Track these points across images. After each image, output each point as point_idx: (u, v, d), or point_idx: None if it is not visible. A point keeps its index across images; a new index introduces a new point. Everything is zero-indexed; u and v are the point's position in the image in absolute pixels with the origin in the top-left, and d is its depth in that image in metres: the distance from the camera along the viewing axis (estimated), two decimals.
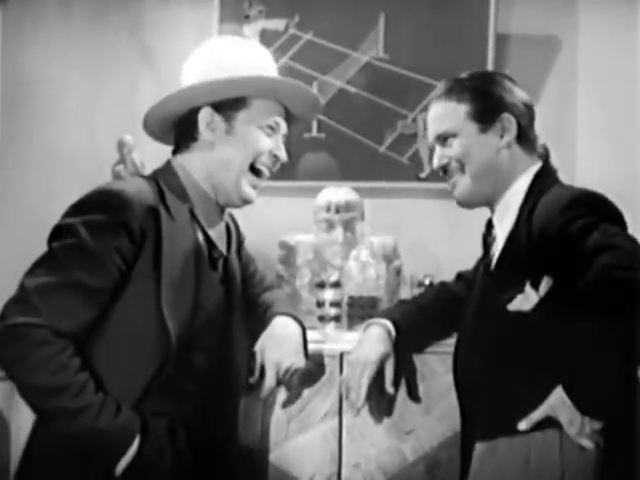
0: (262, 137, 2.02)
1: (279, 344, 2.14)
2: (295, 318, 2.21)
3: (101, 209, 1.87)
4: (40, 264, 1.86)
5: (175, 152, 2.07)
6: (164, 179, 2.00)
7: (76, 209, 1.89)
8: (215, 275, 2.03)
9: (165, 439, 1.92)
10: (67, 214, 1.90)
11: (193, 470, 1.99)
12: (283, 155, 2.07)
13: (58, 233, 1.89)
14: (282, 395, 2.36)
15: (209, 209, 2.03)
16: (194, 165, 2.02)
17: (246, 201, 2.06)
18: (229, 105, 2.00)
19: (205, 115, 2.00)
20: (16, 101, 3.28)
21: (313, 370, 2.34)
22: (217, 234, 2.06)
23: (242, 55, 2.04)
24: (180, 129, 2.06)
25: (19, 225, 3.25)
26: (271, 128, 2.04)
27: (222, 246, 2.07)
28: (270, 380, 2.12)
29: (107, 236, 1.85)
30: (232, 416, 2.13)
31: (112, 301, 1.87)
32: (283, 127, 2.07)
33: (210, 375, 2.01)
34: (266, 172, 2.06)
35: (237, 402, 2.15)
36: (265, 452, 2.38)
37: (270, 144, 2.03)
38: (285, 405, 2.37)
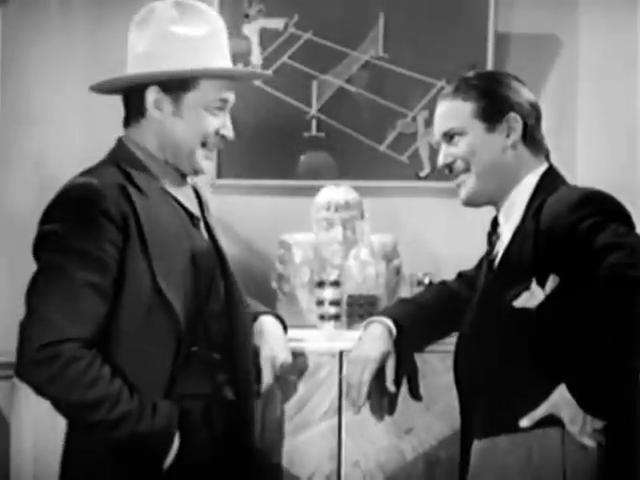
0: (209, 118, 2.00)
1: (270, 342, 2.18)
2: (276, 315, 2.26)
3: (77, 206, 1.86)
4: (41, 278, 1.84)
5: (126, 125, 2.04)
6: (121, 158, 1.98)
7: (52, 213, 1.88)
8: (201, 238, 2.04)
9: (202, 423, 1.93)
10: (45, 221, 1.88)
11: (229, 450, 2.00)
12: (230, 134, 2.04)
13: (43, 242, 1.87)
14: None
15: (172, 176, 2.03)
16: (146, 139, 2.00)
17: (199, 172, 2.06)
18: (177, 86, 1.97)
19: (152, 94, 1.97)
20: (16, 101, 3.28)
21: (302, 367, 2.36)
22: (187, 198, 2.05)
23: (193, 26, 1.99)
24: (128, 103, 2.03)
25: (17, 221, 3.25)
26: (218, 108, 2.01)
27: (195, 209, 2.06)
28: (268, 377, 2.16)
29: (94, 231, 1.84)
30: (250, 386, 2.12)
31: (115, 293, 1.86)
32: (231, 101, 2.05)
33: (229, 340, 2.01)
34: (214, 150, 2.05)
35: (250, 372, 2.13)
36: (266, 452, 2.38)
37: (216, 124, 2.01)
38: (282, 402, 2.38)
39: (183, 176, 2.06)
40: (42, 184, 3.28)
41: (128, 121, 2.04)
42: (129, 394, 1.83)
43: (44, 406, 1.93)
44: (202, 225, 2.07)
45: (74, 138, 3.28)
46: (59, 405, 1.84)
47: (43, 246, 1.87)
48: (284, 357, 2.19)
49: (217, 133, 2.02)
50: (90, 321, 1.82)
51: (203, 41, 2.00)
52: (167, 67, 1.96)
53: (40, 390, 1.82)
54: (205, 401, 1.94)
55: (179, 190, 2.03)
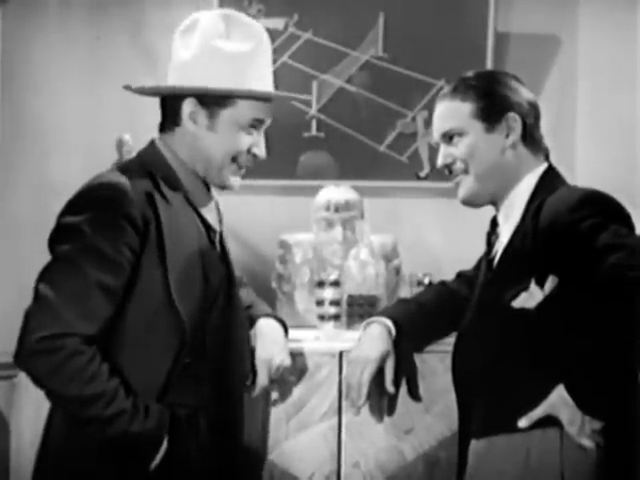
0: (242, 136, 1.99)
1: (267, 344, 2.19)
2: (277, 318, 2.27)
3: (101, 204, 1.86)
4: (54, 269, 1.85)
5: (162, 129, 2.04)
6: (154, 166, 1.98)
7: (75, 207, 1.88)
8: (215, 253, 2.04)
9: (187, 429, 1.93)
10: (67, 213, 1.88)
11: (216, 459, 2.00)
12: (262, 153, 2.04)
13: (62, 234, 1.87)
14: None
15: (200, 189, 2.03)
16: (179, 148, 2.00)
17: (228, 188, 2.06)
18: (213, 101, 1.97)
19: (188, 107, 1.97)
20: (16, 101, 3.28)
21: (302, 367, 2.38)
22: (209, 212, 2.05)
23: (238, 42, 1.98)
24: (165, 109, 2.03)
25: (18, 221, 3.25)
26: (253, 126, 2.01)
27: (215, 223, 2.07)
28: (262, 379, 2.17)
29: (114, 232, 1.84)
30: (240, 398, 2.13)
31: (125, 296, 1.87)
32: (267, 122, 2.04)
33: (221, 355, 2.01)
34: (244, 167, 2.05)
35: (244, 382, 2.15)
36: (264, 452, 2.38)
37: (249, 142, 2.00)
38: (275, 403, 2.38)
39: (208, 189, 2.05)
40: (41, 181, 3.29)
41: (164, 126, 2.03)
42: (124, 393, 1.84)
43: (44, 406, 1.93)
44: (217, 238, 2.06)
45: (74, 135, 3.29)
46: (56, 397, 1.85)
47: (62, 237, 1.87)
48: (280, 360, 2.19)
49: (249, 151, 2.01)
50: (96, 320, 1.83)
51: (246, 59, 1.98)
52: (206, 81, 1.95)
53: (39, 381, 1.83)
54: (189, 410, 1.94)
55: (202, 202, 2.03)
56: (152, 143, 2.03)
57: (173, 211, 1.94)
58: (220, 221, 2.11)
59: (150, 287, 1.88)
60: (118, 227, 1.85)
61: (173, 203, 1.95)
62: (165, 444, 1.87)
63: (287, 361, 2.22)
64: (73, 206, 1.89)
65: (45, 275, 1.85)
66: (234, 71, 1.97)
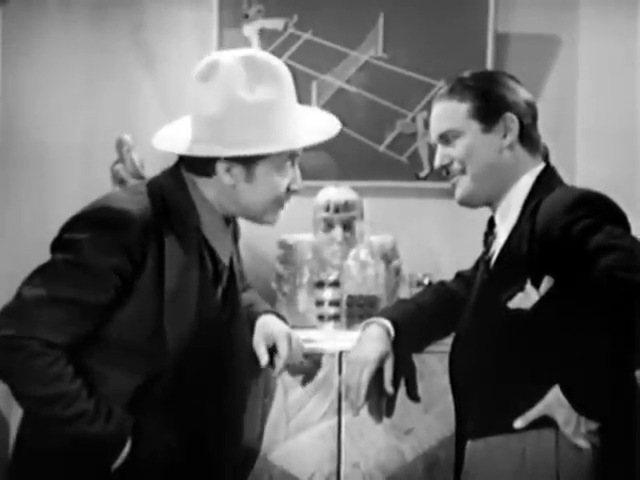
0: (280, 181, 1.97)
1: (277, 326, 2.17)
2: (278, 315, 2.25)
3: (106, 229, 1.85)
4: (39, 275, 1.86)
5: (182, 163, 1.99)
6: (172, 196, 1.95)
7: (81, 224, 1.88)
8: (218, 289, 2.03)
9: (157, 441, 1.92)
10: (73, 227, 1.88)
11: (187, 474, 2.00)
12: (299, 186, 2.02)
13: (61, 245, 1.88)
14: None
15: (217, 226, 2.00)
16: (209, 192, 1.97)
17: (268, 225, 2.06)
18: (248, 157, 1.92)
19: (224, 164, 1.93)
20: (16, 101, 3.28)
21: (310, 367, 2.37)
22: (222, 247, 2.03)
23: (263, 88, 1.92)
24: (192, 158, 1.97)
25: (20, 222, 3.26)
26: (289, 165, 1.99)
27: (226, 258, 2.05)
28: (284, 350, 2.12)
29: (108, 256, 1.84)
30: (235, 421, 2.13)
31: (109, 312, 1.87)
32: (299, 152, 2.01)
33: (210, 384, 2.01)
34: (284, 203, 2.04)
35: (242, 407, 2.14)
36: (257, 452, 2.39)
37: (287, 183, 1.98)
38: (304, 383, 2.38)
39: (227, 221, 2.04)
40: (41, 181, 3.29)
41: (192, 167, 1.97)
42: (87, 394, 1.85)
43: None
44: (225, 275, 2.05)
45: (75, 135, 3.29)
46: (17, 394, 1.86)
47: (60, 249, 1.88)
48: (296, 335, 2.17)
49: (288, 190, 1.99)
50: (65, 333, 1.84)
51: (274, 107, 1.92)
52: (238, 138, 1.90)
53: (2, 376, 1.85)
54: (162, 424, 1.94)
55: (217, 237, 2.01)
56: (178, 176, 1.98)
57: (180, 246, 1.92)
58: (236, 242, 2.10)
59: (140, 313, 1.89)
60: (114, 253, 1.84)
61: (183, 237, 1.93)
62: (126, 449, 1.87)
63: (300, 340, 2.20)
64: (79, 222, 1.89)
65: (31, 277, 1.86)
66: (265, 123, 1.92)
